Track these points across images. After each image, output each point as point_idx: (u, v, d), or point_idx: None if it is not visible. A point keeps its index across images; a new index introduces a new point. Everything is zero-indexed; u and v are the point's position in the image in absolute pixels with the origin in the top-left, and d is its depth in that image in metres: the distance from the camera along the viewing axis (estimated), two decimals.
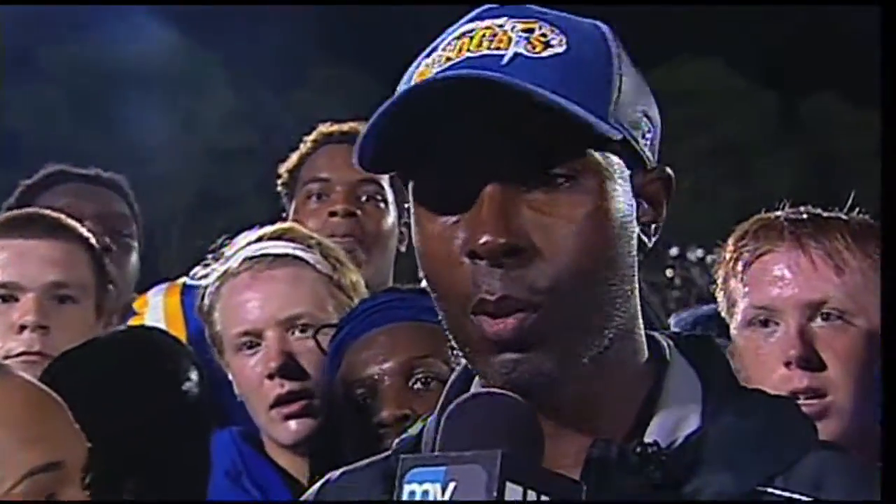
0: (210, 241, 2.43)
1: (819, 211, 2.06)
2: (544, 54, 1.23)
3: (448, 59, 1.24)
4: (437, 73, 1.24)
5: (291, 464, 2.30)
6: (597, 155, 1.23)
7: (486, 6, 1.30)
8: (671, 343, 1.35)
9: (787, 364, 1.96)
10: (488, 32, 1.25)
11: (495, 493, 1.06)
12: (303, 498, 1.42)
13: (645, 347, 1.31)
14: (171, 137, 17.54)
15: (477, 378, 1.30)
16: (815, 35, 18.52)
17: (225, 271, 2.33)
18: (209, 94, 19.52)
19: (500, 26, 1.26)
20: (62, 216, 2.54)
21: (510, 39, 1.24)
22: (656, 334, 1.36)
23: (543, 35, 1.25)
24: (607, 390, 1.27)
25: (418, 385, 2.10)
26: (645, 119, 1.28)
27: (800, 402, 1.79)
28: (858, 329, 1.95)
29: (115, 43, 17.23)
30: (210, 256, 2.40)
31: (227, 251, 2.37)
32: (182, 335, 2.63)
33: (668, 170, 1.32)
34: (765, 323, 2.00)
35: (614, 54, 1.27)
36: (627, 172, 1.26)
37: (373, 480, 1.34)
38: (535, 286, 1.20)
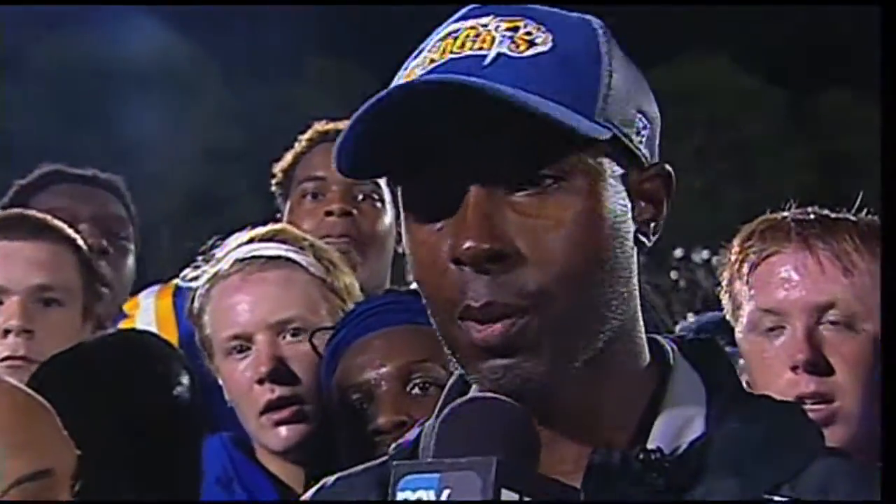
0: (202, 242, 2.43)
1: (827, 211, 2.06)
2: (528, 53, 1.23)
3: (432, 60, 1.25)
4: (419, 76, 1.24)
5: (283, 470, 2.30)
6: (584, 155, 1.23)
7: (474, 5, 1.30)
8: (675, 346, 1.35)
9: (794, 368, 1.95)
10: (472, 33, 1.26)
11: (491, 500, 1.06)
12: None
13: (646, 350, 1.31)
14: (162, 136, 17.53)
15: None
16: (824, 32, 18.53)
17: (215, 273, 2.33)
18: (202, 92, 19.51)
19: (485, 26, 1.26)
20: (48, 217, 2.54)
21: (493, 39, 1.24)
22: (659, 338, 1.36)
23: (528, 33, 1.25)
24: (606, 394, 1.27)
25: (416, 390, 2.10)
26: (639, 115, 1.28)
27: (806, 407, 1.79)
28: (867, 333, 1.95)
29: (105, 40, 17.22)
30: (200, 258, 2.40)
31: (218, 253, 2.37)
32: (174, 338, 2.63)
33: (667, 167, 1.32)
34: (771, 326, 2.00)
35: (603, 50, 1.26)
36: (620, 171, 1.26)
37: (368, 486, 1.35)
38: (522, 291, 1.21)
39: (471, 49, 1.24)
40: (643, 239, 1.29)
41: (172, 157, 17.70)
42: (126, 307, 2.93)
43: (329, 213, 2.86)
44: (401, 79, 1.27)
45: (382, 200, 2.90)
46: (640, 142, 1.28)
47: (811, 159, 21.14)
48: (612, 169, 1.25)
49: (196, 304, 2.35)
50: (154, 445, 2.05)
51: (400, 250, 2.95)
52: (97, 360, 2.15)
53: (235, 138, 19.00)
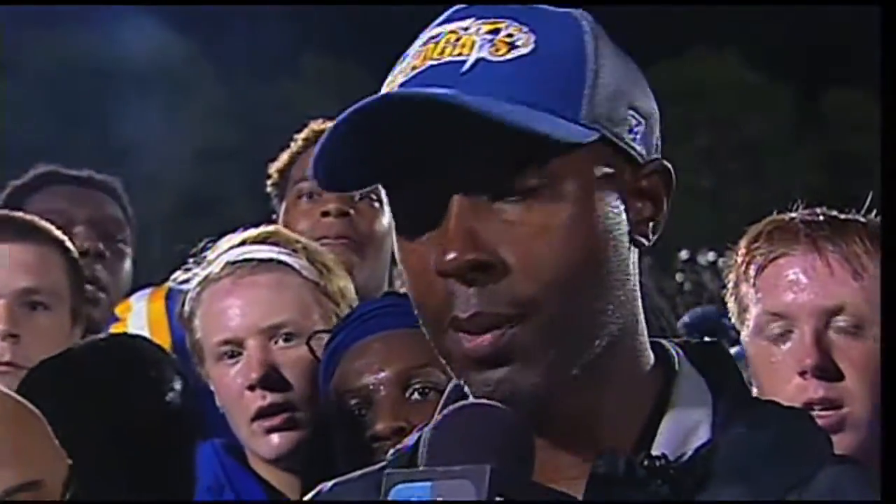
0: (194, 244, 2.42)
1: (836, 213, 2.06)
2: (509, 57, 1.23)
3: (413, 67, 1.25)
4: (400, 84, 1.25)
5: (275, 477, 2.30)
6: (570, 158, 1.22)
7: (460, 6, 1.30)
8: (680, 351, 1.34)
9: (802, 374, 1.95)
10: (452, 37, 1.26)
11: None
12: None
13: (649, 354, 1.31)
14: (156, 136, 17.51)
15: None
16: (832, 30, 18.53)
17: (206, 276, 2.33)
18: (197, 91, 19.50)
19: (466, 29, 1.26)
20: (35, 218, 2.53)
21: (473, 44, 1.24)
22: (664, 342, 1.35)
23: (509, 35, 1.24)
24: (607, 400, 1.27)
25: (415, 395, 2.09)
26: (631, 112, 1.27)
27: (815, 413, 1.79)
28: (877, 337, 1.95)
29: (100, 39, 17.21)
30: (192, 260, 2.39)
31: (210, 255, 2.37)
32: (166, 342, 2.62)
33: (665, 163, 1.31)
34: (779, 330, 2.00)
35: (589, 49, 1.26)
36: (611, 171, 1.25)
37: (365, 492, 1.34)
38: (509, 300, 1.21)
39: (450, 55, 1.24)
40: (641, 239, 1.28)
41: (166, 157, 17.69)
42: (118, 310, 2.93)
43: (325, 214, 2.85)
44: (385, 86, 1.27)
45: (380, 200, 2.89)
46: (633, 139, 1.27)
47: (819, 159, 21.13)
48: (601, 170, 1.25)
49: (186, 308, 2.35)
50: (146, 453, 2.05)
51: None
52: (87, 366, 2.15)
53: (230, 137, 19.00)
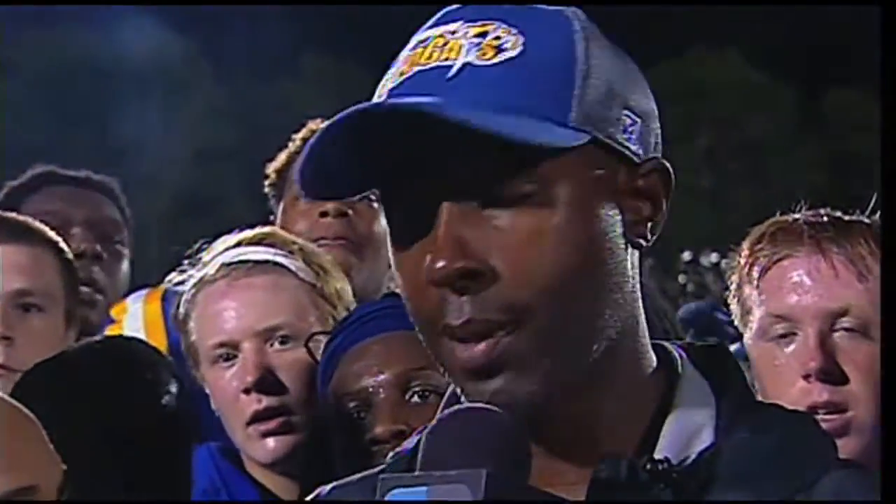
0: (190, 245, 2.42)
1: (840, 214, 2.05)
2: (496, 61, 1.22)
3: (402, 73, 1.25)
4: (388, 90, 1.24)
5: (271, 481, 2.30)
6: (560, 162, 1.21)
7: (450, 7, 1.29)
8: (683, 353, 1.34)
9: (807, 377, 1.94)
10: (440, 42, 1.25)
11: None
12: None
13: (651, 357, 1.30)
14: (154, 136, 17.54)
15: None
16: (833, 30, 18.56)
17: (201, 278, 2.32)
18: (195, 91, 19.53)
19: (453, 33, 1.25)
20: (28, 219, 2.53)
21: (461, 48, 1.23)
22: (667, 344, 1.35)
23: (497, 38, 1.23)
24: (608, 403, 1.26)
25: (415, 398, 2.09)
26: (626, 112, 1.26)
27: (819, 416, 1.78)
28: None
29: (98, 39, 17.24)
30: (187, 262, 2.39)
31: (205, 256, 2.36)
32: (162, 344, 2.62)
33: (664, 161, 1.29)
34: (782, 333, 1.99)
35: (579, 49, 1.24)
36: (604, 172, 1.24)
37: (364, 495, 1.33)
38: (501, 307, 1.20)
39: (437, 60, 1.24)
40: (639, 240, 1.27)
41: (165, 158, 17.72)
42: (113, 312, 2.92)
43: (324, 215, 2.84)
44: (377, 91, 1.26)
45: (379, 200, 2.88)
46: (628, 139, 1.26)
47: (820, 159, 21.15)
48: (594, 172, 1.23)
49: (181, 310, 2.34)
50: (142, 456, 2.05)
51: None
52: (82, 369, 2.14)
53: (229, 138, 19.02)
